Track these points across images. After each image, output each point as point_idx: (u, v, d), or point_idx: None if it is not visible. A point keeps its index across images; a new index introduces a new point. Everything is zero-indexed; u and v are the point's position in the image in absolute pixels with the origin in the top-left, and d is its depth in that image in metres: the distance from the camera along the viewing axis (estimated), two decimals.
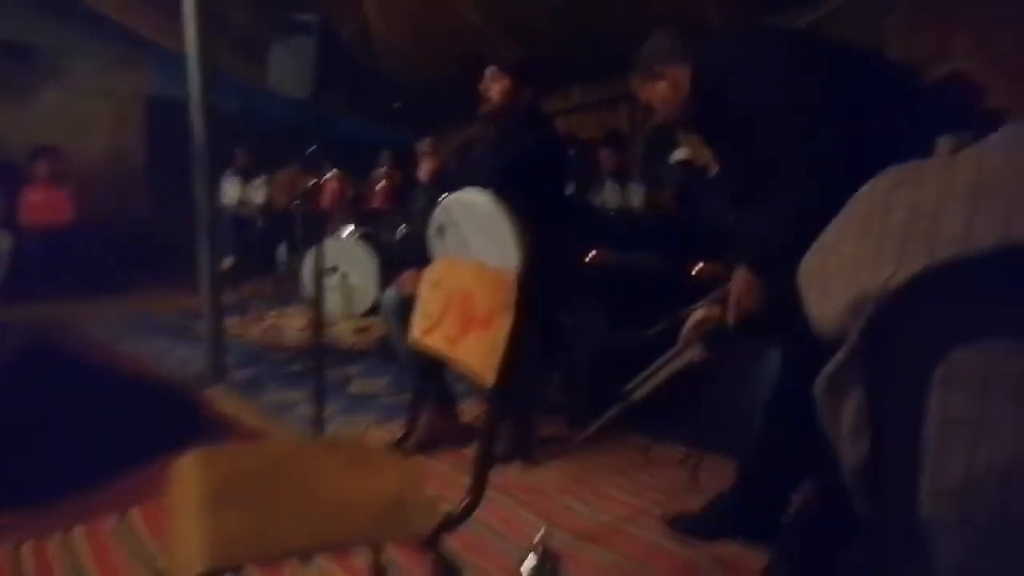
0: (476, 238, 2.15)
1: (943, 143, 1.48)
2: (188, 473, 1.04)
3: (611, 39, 4.66)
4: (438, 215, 2.26)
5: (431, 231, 2.27)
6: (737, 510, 1.77)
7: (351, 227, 4.57)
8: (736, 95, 1.57)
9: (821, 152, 1.42)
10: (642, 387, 2.01)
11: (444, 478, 2.09)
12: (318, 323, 2.34)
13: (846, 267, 0.67)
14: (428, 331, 1.23)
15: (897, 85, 1.54)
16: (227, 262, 5.46)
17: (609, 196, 4.33)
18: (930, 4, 3.57)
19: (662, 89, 1.74)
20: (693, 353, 1.78)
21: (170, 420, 2.61)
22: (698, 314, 1.65)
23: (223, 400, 2.80)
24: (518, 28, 4.81)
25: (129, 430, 2.34)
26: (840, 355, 0.66)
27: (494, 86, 2.26)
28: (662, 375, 1.97)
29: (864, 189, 0.69)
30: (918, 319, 0.58)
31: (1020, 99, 3.33)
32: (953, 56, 3.51)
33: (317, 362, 2.30)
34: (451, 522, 1.00)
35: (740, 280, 1.53)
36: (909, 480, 0.62)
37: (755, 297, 1.51)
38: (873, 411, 0.67)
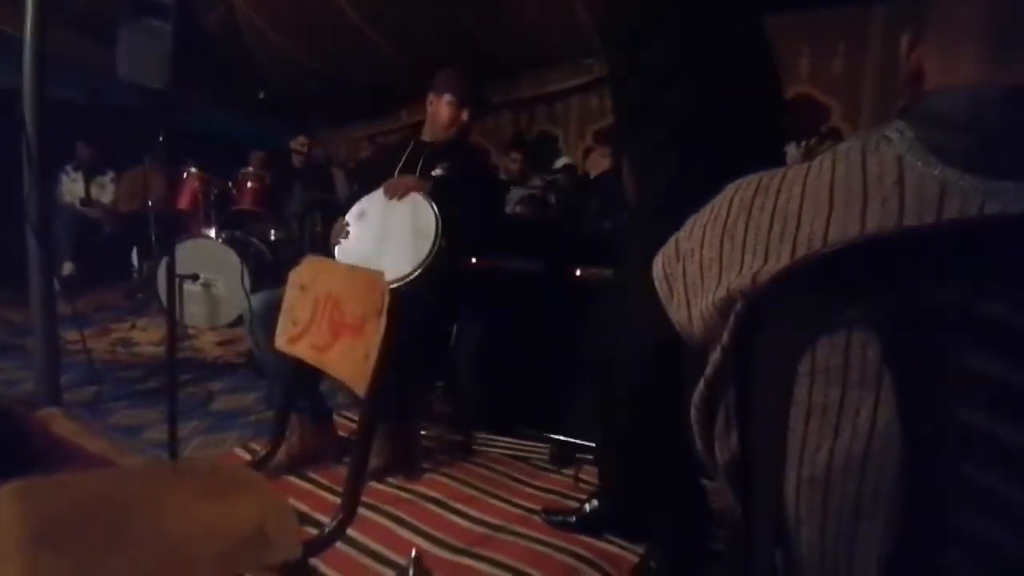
0: (395, 231, 2.14)
1: (792, 151, 1.57)
2: (5, 508, 0.88)
3: (495, 46, 4.71)
4: (365, 201, 2.24)
5: (351, 214, 2.26)
6: (614, 508, 1.81)
7: (214, 231, 4.24)
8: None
9: None
10: None
11: (317, 498, 1.97)
12: (172, 334, 2.12)
13: (707, 270, 0.68)
14: (295, 339, 1.14)
15: None
16: (66, 268, 4.88)
17: None
18: (777, 33, 3.90)
19: None
20: None
21: None
22: None
23: (59, 423, 2.47)
24: (397, 27, 4.72)
25: None
26: (715, 356, 0.67)
27: (463, 113, 2.27)
28: None
29: (721, 197, 0.71)
30: (785, 314, 0.59)
31: (851, 122, 3.74)
32: (798, 80, 3.88)
33: (171, 377, 2.08)
34: (320, 544, 0.92)
35: None
36: (775, 473, 0.64)
37: None
38: (742, 407, 0.69)
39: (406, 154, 2.35)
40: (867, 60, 3.56)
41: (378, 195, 2.22)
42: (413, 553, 0.85)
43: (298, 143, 4.70)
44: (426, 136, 2.36)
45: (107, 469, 1.09)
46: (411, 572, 0.85)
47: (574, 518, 1.84)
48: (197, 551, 0.77)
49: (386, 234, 2.16)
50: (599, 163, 4.01)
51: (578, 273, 2.65)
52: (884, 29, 3.48)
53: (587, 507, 1.85)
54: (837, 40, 3.68)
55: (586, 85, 4.85)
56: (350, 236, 2.22)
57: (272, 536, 0.82)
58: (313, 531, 0.99)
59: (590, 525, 1.81)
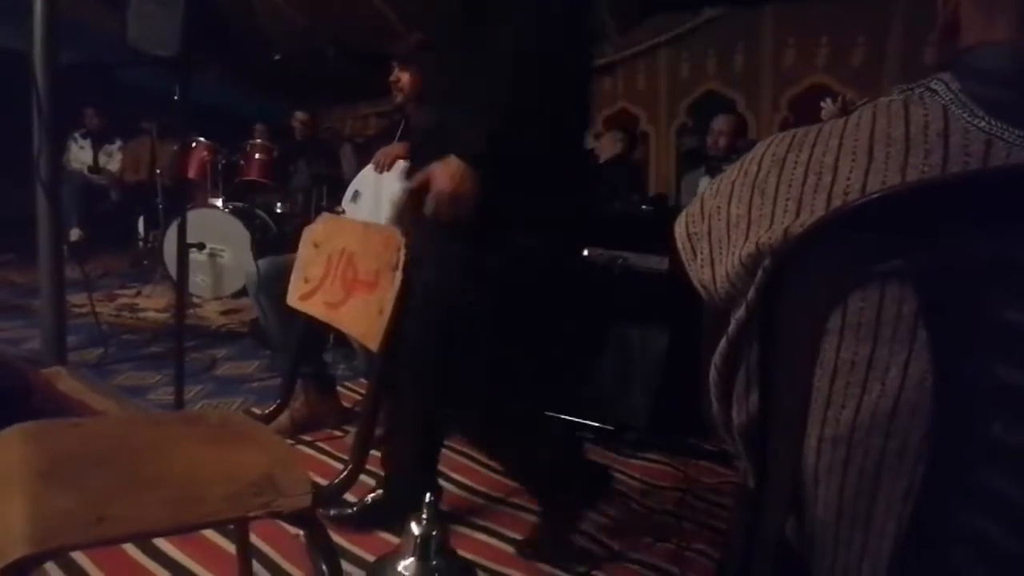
0: (391, 200, 2.14)
1: (827, 107, 1.54)
2: (12, 447, 0.88)
3: None
4: (357, 182, 2.27)
5: (345, 199, 2.29)
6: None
7: (221, 200, 4.23)
8: None
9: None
10: None
11: (318, 463, 1.97)
12: (180, 300, 2.12)
13: (734, 227, 0.66)
14: (306, 296, 1.13)
15: None
16: (73, 234, 4.89)
17: None
18: (795, 22, 3.86)
19: None
20: None
21: None
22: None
23: (65, 381, 2.48)
24: (411, 7, 4.67)
25: None
26: (740, 314, 0.65)
27: (403, 77, 2.21)
28: None
29: (751, 153, 0.69)
30: (816, 270, 0.58)
31: None
32: (815, 70, 3.84)
33: (178, 341, 2.08)
34: (330, 493, 0.92)
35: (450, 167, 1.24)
36: (795, 433, 0.63)
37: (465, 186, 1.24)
38: (763, 367, 0.68)
39: (399, 132, 2.36)
40: (888, 53, 3.52)
41: (367, 172, 2.23)
42: (427, 497, 0.85)
43: (296, 118, 4.74)
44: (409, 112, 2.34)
45: (117, 415, 1.08)
46: (425, 514, 0.84)
47: None
48: (206, 492, 0.77)
49: (383, 206, 2.16)
50: (609, 147, 4.00)
51: (585, 253, 2.63)
52: (906, 22, 3.43)
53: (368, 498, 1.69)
54: (858, 31, 3.63)
55: (596, 68, 4.80)
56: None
57: (281, 484, 0.82)
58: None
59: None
